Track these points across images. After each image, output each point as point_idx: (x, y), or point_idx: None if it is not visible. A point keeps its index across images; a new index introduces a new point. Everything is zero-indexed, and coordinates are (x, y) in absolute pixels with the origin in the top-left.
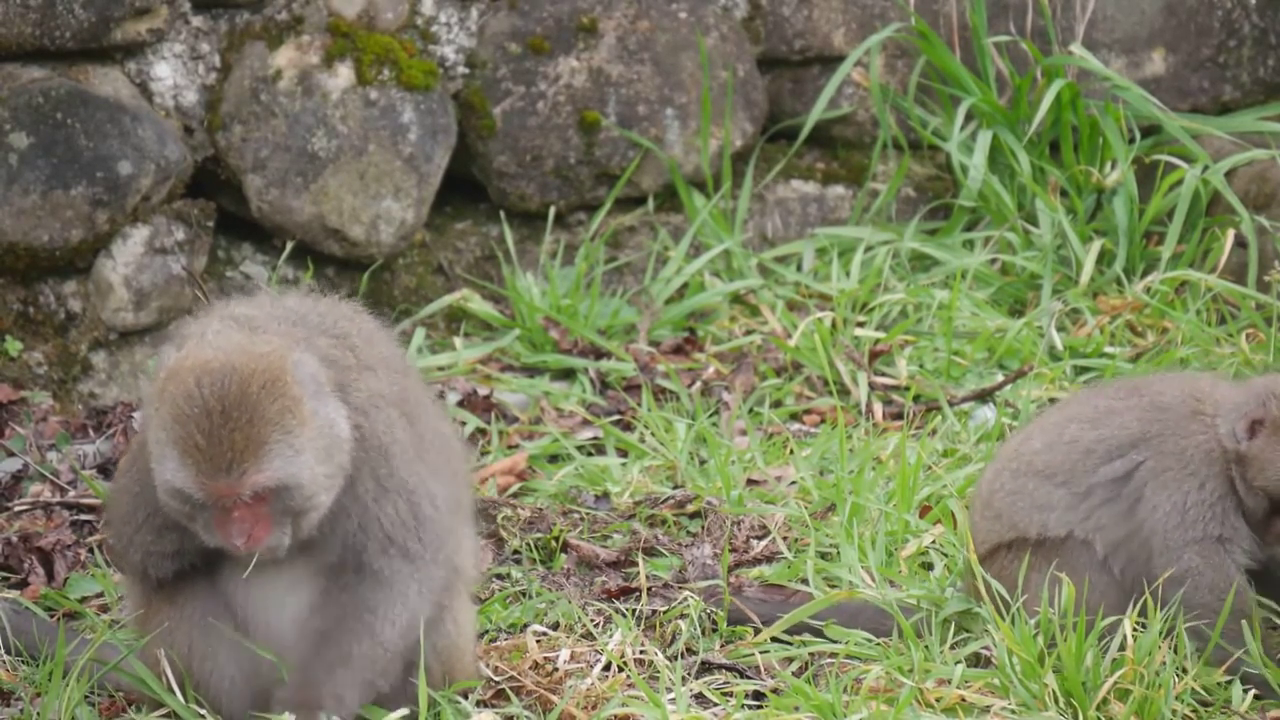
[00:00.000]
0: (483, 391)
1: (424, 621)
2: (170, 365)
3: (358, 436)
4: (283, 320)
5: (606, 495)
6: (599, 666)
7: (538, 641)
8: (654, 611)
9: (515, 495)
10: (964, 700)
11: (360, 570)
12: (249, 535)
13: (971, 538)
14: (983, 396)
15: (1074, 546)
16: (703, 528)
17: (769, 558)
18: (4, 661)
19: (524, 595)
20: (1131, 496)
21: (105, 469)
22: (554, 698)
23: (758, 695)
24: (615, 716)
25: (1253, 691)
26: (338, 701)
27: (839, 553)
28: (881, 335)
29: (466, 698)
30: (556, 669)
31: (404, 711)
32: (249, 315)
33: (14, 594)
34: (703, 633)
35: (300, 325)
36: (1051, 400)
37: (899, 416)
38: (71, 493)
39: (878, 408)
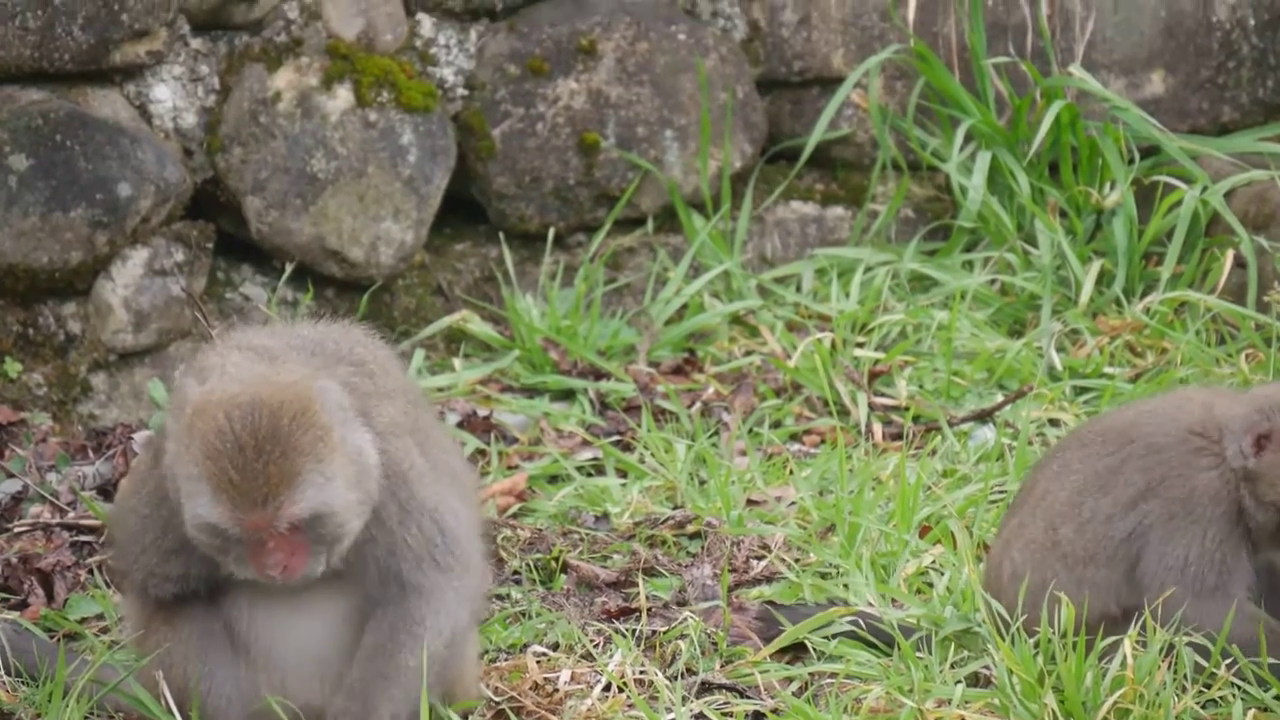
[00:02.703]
0: (482, 412)
1: (464, 630)
2: (195, 400)
3: (381, 463)
4: (300, 349)
5: (606, 516)
6: (599, 687)
7: (538, 662)
8: (654, 632)
9: (515, 516)
10: None
11: (401, 586)
12: (285, 566)
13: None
14: (982, 417)
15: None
16: (703, 548)
17: (769, 578)
18: (4, 682)
19: (524, 616)
20: (1139, 543)
21: (105, 490)
22: (554, 718)
23: (758, 715)
24: None
25: (1252, 711)
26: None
27: (839, 572)
28: (881, 356)
29: (467, 718)
30: (557, 689)
31: None
32: (266, 345)
33: (14, 615)
34: (703, 653)
35: (318, 354)
36: (1052, 422)
37: (898, 437)
38: (71, 514)
39: (877, 428)
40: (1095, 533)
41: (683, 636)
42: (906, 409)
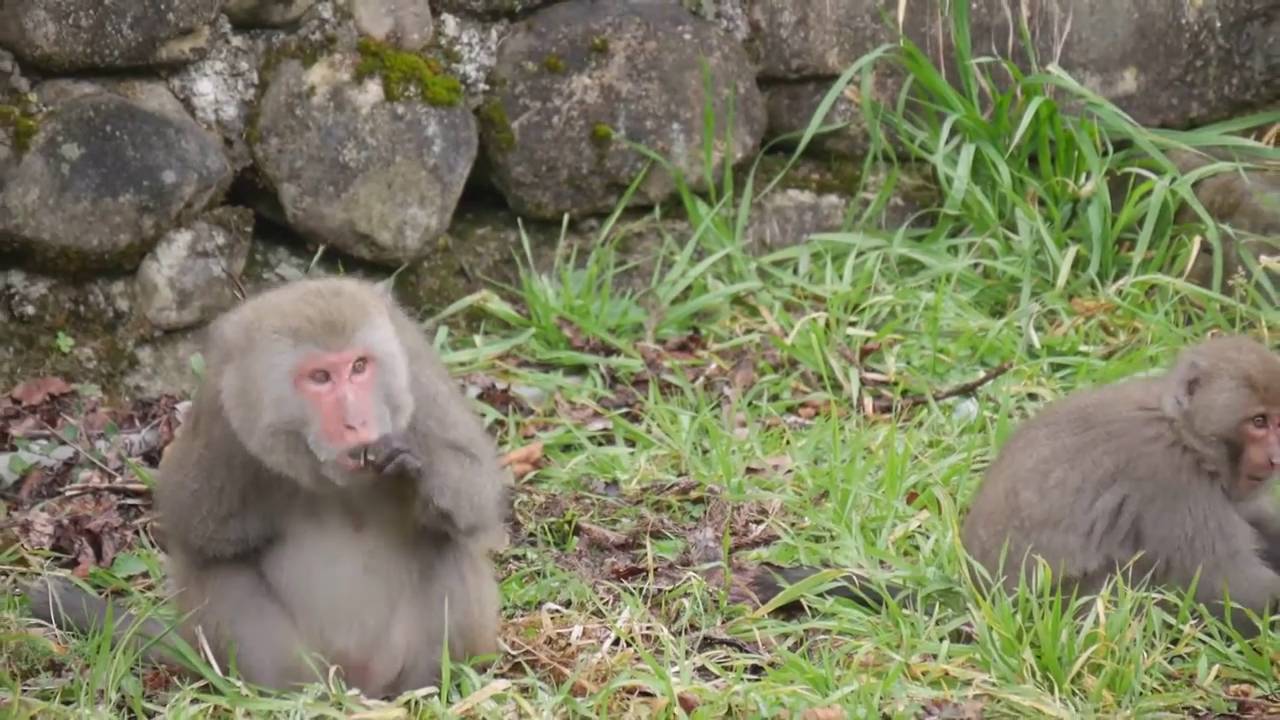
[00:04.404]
0: (501, 386)
1: (491, 519)
2: (255, 305)
3: (412, 383)
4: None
5: (616, 482)
6: (609, 641)
7: (552, 618)
8: (660, 590)
9: (531, 482)
10: (948, 674)
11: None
12: (362, 420)
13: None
14: (965, 391)
15: (1097, 577)
16: (705, 513)
17: (767, 540)
18: (56, 635)
19: (539, 575)
20: (1129, 528)
21: (150, 457)
22: (566, 670)
23: (756, 669)
24: (623, 688)
25: (1216, 666)
26: (442, 476)
27: (831, 535)
28: (872, 334)
29: (485, 670)
30: (569, 644)
31: (431, 689)
32: None
33: (65, 572)
34: (705, 610)
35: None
36: (1030, 396)
37: (888, 410)
38: (119, 479)
39: (868, 401)
40: (1059, 500)
41: (687, 595)
42: (895, 384)
